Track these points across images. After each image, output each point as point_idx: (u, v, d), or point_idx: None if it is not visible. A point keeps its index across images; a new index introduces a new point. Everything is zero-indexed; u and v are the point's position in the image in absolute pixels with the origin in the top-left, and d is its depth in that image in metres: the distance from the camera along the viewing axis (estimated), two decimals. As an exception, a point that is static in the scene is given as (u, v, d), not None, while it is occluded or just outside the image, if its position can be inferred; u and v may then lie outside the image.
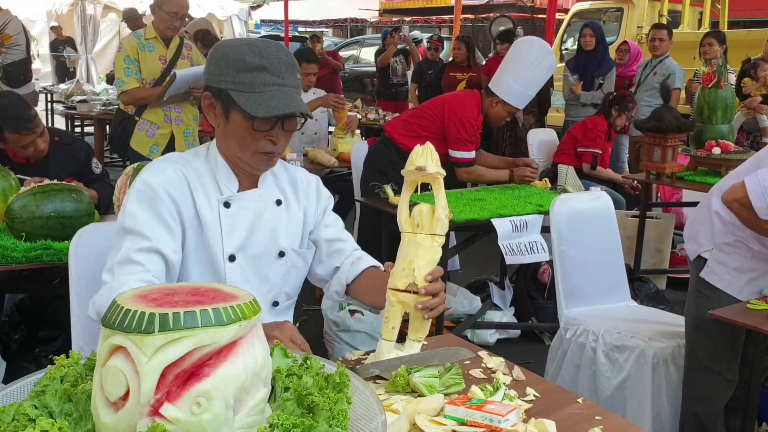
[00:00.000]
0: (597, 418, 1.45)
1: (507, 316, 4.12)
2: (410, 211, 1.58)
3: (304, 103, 1.63)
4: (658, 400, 2.69)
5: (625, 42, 7.13)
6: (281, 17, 12.47)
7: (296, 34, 16.30)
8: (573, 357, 2.88)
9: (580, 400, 1.53)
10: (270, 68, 1.56)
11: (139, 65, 4.07)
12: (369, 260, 1.86)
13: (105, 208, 3.09)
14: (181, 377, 0.88)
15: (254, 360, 0.92)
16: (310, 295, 4.09)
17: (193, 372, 0.89)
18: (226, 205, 1.67)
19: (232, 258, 1.68)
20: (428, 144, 1.53)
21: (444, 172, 1.54)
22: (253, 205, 1.70)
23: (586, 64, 6.39)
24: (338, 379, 1.03)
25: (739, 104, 5.43)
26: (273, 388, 1.04)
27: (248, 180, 1.71)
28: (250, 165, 1.66)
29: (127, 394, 0.88)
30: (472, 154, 3.80)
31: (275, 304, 1.80)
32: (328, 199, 1.86)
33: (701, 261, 2.51)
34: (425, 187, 1.61)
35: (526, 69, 3.69)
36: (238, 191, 1.69)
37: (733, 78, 5.62)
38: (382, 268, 1.81)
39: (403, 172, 1.56)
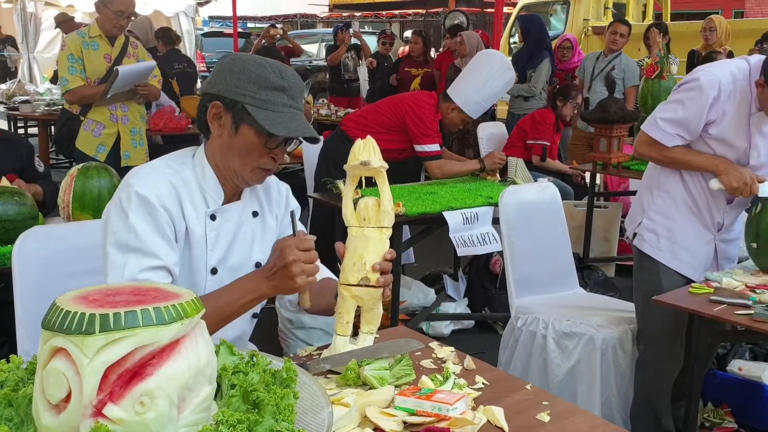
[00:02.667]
0: (544, 403, 1.48)
1: (461, 307, 4.17)
2: (355, 205, 1.60)
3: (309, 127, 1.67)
4: (607, 385, 2.76)
5: (567, 39, 7.24)
6: (229, 13, 12.34)
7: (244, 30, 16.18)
8: (524, 345, 2.93)
9: (528, 387, 1.57)
10: (289, 91, 1.60)
11: (83, 63, 3.99)
12: (325, 272, 1.88)
13: (50, 206, 3.02)
14: (124, 377, 0.88)
15: (198, 358, 0.92)
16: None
17: (136, 371, 0.88)
18: (212, 217, 1.66)
19: (214, 271, 1.67)
20: (369, 138, 1.55)
21: (386, 165, 1.55)
22: (236, 217, 1.70)
23: (520, 57, 6.48)
24: (285, 374, 1.04)
25: None
26: (219, 385, 1.04)
27: (232, 192, 1.70)
28: (245, 179, 1.66)
29: (69, 396, 0.88)
30: (438, 147, 3.83)
31: (254, 315, 1.82)
32: (296, 208, 1.86)
33: (636, 236, 2.62)
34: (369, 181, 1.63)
35: (485, 82, 3.76)
36: (222, 204, 1.68)
37: (675, 69, 5.77)
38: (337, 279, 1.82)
39: (345, 167, 1.57)
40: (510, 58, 6.97)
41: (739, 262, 2.67)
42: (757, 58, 2.38)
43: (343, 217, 1.59)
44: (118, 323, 0.87)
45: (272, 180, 1.83)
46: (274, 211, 1.81)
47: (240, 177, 1.65)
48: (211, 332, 1.02)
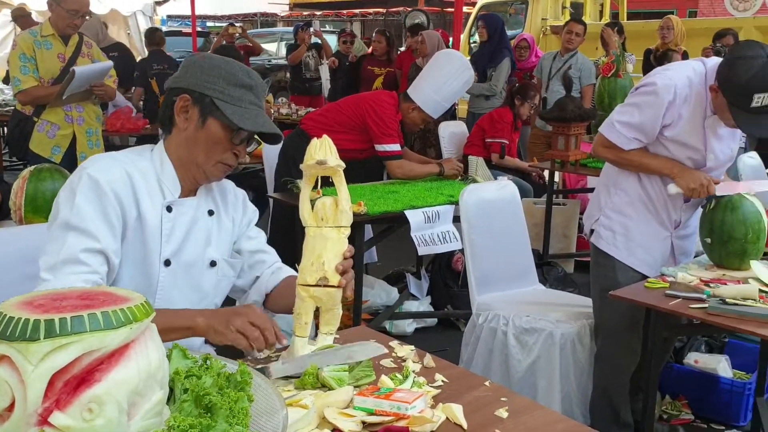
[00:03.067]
0: (503, 399, 1.49)
1: (424, 305, 4.18)
2: (312, 205, 1.58)
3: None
4: (567, 379, 2.80)
5: (524, 39, 7.32)
6: (188, 12, 12.19)
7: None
8: (486, 342, 2.95)
9: (487, 383, 1.57)
10: (255, 90, 1.67)
11: (36, 63, 3.89)
12: (289, 271, 1.88)
13: (2, 209, 2.94)
14: (71, 384, 0.85)
15: (148, 362, 0.90)
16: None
17: (84, 378, 0.86)
18: (169, 209, 1.67)
19: (167, 263, 1.67)
20: (325, 137, 1.54)
21: (343, 165, 1.55)
22: (191, 212, 1.71)
23: (480, 56, 6.53)
24: (239, 377, 1.03)
25: None
26: (172, 390, 1.02)
27: (189, 188, 1.72)
28: (206, 174, 1.69)
29: (12, 404, 0.85)
30: (398, 147, 3.83)
31: None
32: (253, 212, 1.89)
33: (593, 232, 2.66)
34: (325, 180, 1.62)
35: (444, 81, 3.78)
36: (179, 197, 1.70)
37: (631, 67, 5.87)
38: None
39: (302, 166, 1.55)
40: (469, 57, 7.02)
41: (696, 256, 2.73)
42: (714, 62, 2.42)
43: (300, 218, 1.58)
44: (64, 329, 0.85)
45: (229, 184, 1.86)
46: (230, 213, 1.83)
47: (201, 171, 1.68)
48: None
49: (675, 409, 3.05)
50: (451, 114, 6.60)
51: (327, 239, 1.55)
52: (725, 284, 2.24)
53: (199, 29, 14.18)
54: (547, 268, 4.44)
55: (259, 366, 1.44)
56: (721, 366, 3.07)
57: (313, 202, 1.58)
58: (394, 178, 3.94)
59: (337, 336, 1.76)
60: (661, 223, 2.58)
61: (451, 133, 5.61)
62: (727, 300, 2.11)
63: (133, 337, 0.89)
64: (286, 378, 1.52)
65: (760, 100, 2.22)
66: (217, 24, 17.94)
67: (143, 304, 0.92)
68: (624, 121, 2.46)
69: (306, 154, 1.54)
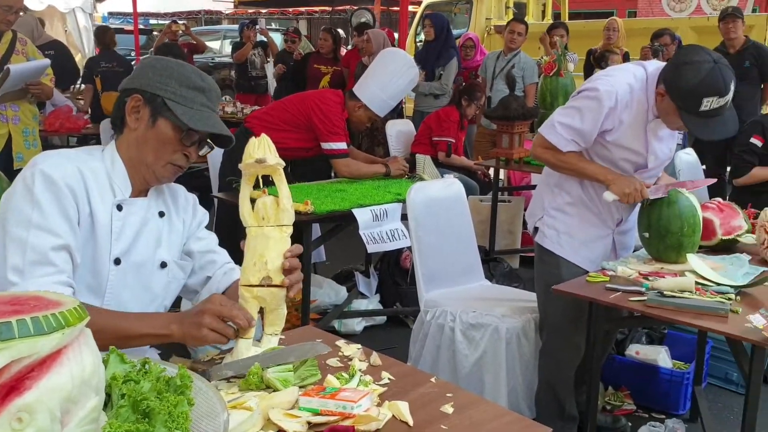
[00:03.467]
0: (449, 395, 1.50)
1: (373, 303, 4.19)
2: (252, 204, 1.57)
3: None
4: (513, 373, 2.84)
5: (469, 38, 7.39)
6: (130, 9, 11.92)
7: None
8: (433, 338, 2.98)
9: (433, 380, 1.58)
10: (208, 92, 1.68)
11: (-34, 61, 3.75)
12: (237, 273, 1.85)
13: None
14: (0, 392, 0.82)
15: (82, 368, 0.87)
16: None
17: (13, 386, 0.83)
18: (119, 207, 1.66)
19: (117, 261, 1.66)
20: (264, 135, 1.52)
21: (283, 163, 1.53)
22: (141, 212, 1.70)
23: (428, 55, 6.56)
24: (179, 381, 1.01)
25: None
26: (109, 396, 0.99)
27: (140, 188, 1.71)
28: (155, 175, 1.68)
29: (-63, 417, 0.81)
30: (344, 146, 3.81)
31: None
32: (203, 214, 1.89)
33: (537, 230, 2.69)
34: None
35: (390, 80, 3.79)
36: (130, 197, 1.69)
37: (572, 66, 5.98)
38: None
39: (241, 166, 1.54)
40: (414, 56, 7.05)
41: (635, 250, 2.80)
42: (654, 67, 2.47)
43: (241, 218, 1.56)
44: (-9, 336, 0.81)
45: (180, 188, 1.85)
46: (181, 215, 1.82)
47: (151, 171, 1.67)
48: (102, 349, 0.98)
49: (618, 399, 3.13)
50: (398, 112, 6.62)
51: (269, 238, 1.53)
52: (663, 277, 2.31)
53: (141, 27, 13.89)
54: (493, 264, 4.50)
55: (201, 369, 1.41)
56: (661, 357, 3.16)
57: (253, 201, 1.56)
58: (340, 176, 3.93)
59: (283, 337, 1.75)
60: (603, 222, 2.63)
61: (399, 132, 5.63)
62: (664, 292, 2.17)
63: (65, 343, 0.87)
64: (231, 380, 1.50)
65: (708, 103, 2.28)
66: (160, 22, 17.60)
67: (76, 308, 0.90)
68: (565, 123, 2.48)
69: (244, 154, 1.52)
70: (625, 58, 6.80)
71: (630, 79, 2.45)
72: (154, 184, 1.72)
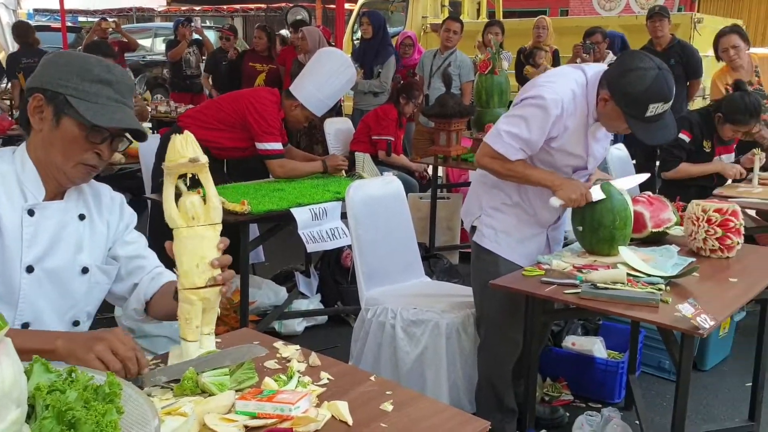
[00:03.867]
0: (388, 393, 1.50)
1: (314, 303, 4.16)
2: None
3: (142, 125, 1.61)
4: (454, 368, 2.86)
5: (408, 36, 7.42)
6: (57, 6, 11.52)
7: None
8: (375, 336, 2.97)
9: (372, 378, 1.58)
10: (115, 85, 1.58)
11: None
12: (170, 275, 1.80)
13: None
14: None
15: (1, 380, 0.83)
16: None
17: (-75, 402, 0.78)
18: (30, 212, 1.58)
19: (30, 269, 1.58)
20: (188, 132, 1.48)
21: (207, 159, 1.50)
22: (58, 216, 1.62)
23: (366, 53, 6.57)
24: (108, 389, 0.97)
25: None
26: (34, 407, 0.95)
27: (54, 191, 1.63)
28: (67, 176, 1.60)
29: None
30: (280, 146, 3.77)
31: (76, 323, 1.71)
32: (131, 216, 1.81)
33: (475, 229, 2.71)
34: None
35: (327, 80, 3.77)
36: (43, 200, 1.60)
37: (506, 64, 6.06)
38: None
39: (165, 165, 1.48)
40: (350, 54, 7.04)
41: (565, 243, 2.86)
42: (593, 71, 2.49)
43: (168, 219, 1.50)
44: None
45: (104, 188, 1.77)
46: (105, 216, 1.74)
47: (62, 173, 1.60)
48: None
49: (555, 390, 3.19)
50: (336, 110, 6.60)
51: (204, 238, 1.49)
52: (596, 270, 2.36)
53: (69, 24, 13.45)
54: (433, 260, 4.53)
55: (133, 377, 1.37)
56: (596, 347, 3.24)
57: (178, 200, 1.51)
58: (275, 177, 3.88)
59: (219, 340, 1.71)
60: (538, 221, 2.67)
61: (337, 130, 5.61)
62: (598, 284, 2.22)
63: (-19, 354, 0.82)
64: (165, 386, 1.46)
65: (654, 109, 2.34)
66: (90, 19, 17.07)
67: (-8, 317, 0.85)
68: (512, 132, 2.47)
69: (169, 153, 1.47)
70: (555, 55, 6.95)
71: (573, 86, 2.47)
72: (68, 185, 1.65)
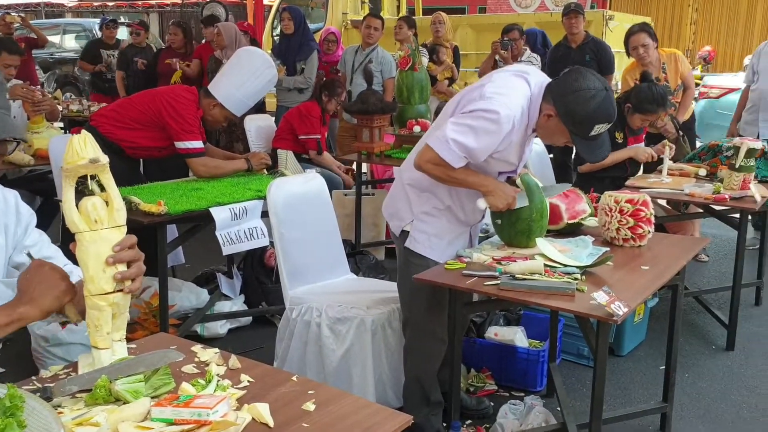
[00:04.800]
0: (310, 392, 1.49)
1: (237, 304, 4.08)
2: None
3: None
4: (380, 363, 2.87)
5: (331, 32, 7.39)
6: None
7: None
8: (300, 335, 2.95)
9: (294, 378, 1.56)
10: None
11: None
12: (80, 272, 1.70)
13: None
14: None
15: None
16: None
17: None
18: None
19: None
20: (85, 132, 1.41)
21: (108, 159, 1.44)
22: None
23: (288, 49, 6.50)
24: (8, 402, 0.92)
25: (432, 90, 5.89)
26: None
27: None
28: None
29: None
30: (200, 144, 3.67)
31: None
32: (29, 215, 1.70)
33: (405, 234, 2.70)
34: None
35: (247, 79, 3.70)
36: None
37: (426, 60, 6.12)
38: None
39: (64, 167, 1.41)
40: (270, 50, 6.96)
41: (486, 238, 2.90)
42: (537, 85, 2.48)
43: (69, 224, 1.43)
44: None
45: None
46: (1, 221, 1.64)
47: None
48: None
49: (480, 381, 3.24)
50: (257, 107, 6.50)
51: (109, 241, 1.43)
52: (515, 261, 2.41)
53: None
54: (359, 257, 4.53)
55: (38, 387, 1.31)
56: (518, 337, 3.31)
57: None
58: (198, 177, 3.79)
59: (134, 346, 1.66)
60: (464, 221, 2.70)
61: (258, 127, 5.53)
62: (516, 276, 2.27)
63: None
64: (76, 396, 1.40)
65: (598, 129, 2.40)
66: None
67: None
68: (459, 141, 2.43)
69: (67, 155, 1.39)
70: (455, 51, 7.06)
71: (523, 102, 2.46)
72: None
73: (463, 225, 2.71)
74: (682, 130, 4.78)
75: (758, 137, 4.97)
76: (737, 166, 3.70)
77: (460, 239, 2.72)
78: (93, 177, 1.43)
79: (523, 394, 3.17)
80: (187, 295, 3.86)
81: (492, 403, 3.09)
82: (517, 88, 2.49)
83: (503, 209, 2.54)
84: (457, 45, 7.28)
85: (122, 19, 14.63)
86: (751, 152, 3.69)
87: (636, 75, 4.92)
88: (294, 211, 3.08)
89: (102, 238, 1.43)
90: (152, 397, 1.39)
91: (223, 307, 3.97)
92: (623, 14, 10.26)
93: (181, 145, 3.61)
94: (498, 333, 3.34)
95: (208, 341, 3.76)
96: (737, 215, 3.72)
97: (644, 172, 4.44)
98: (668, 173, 4.09)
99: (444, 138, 2.44)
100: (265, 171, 3.98)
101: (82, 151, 1.38)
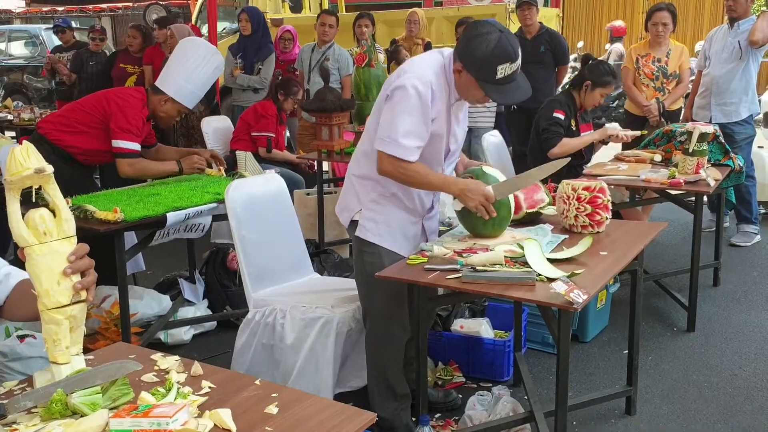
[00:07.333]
0: (273, 395, 1.47)
1: (201, 309, 4.03)
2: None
3: None
4: (345, 362, 2.85)
5: (287, 30, 7.32)
6: None
7: None
8: (263, 338, 2.92)
9: (257, 382, 1.54)
10: None
11: None
12: (20, 274, 1.66)
13: None
14: None
15: None
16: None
17: None
18: None
19: None
20: (27, 143, 1.38)
21: (53, 169, 1.40)
22: None
23: (246, 49, 6.45)
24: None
25: None
26: None
27: None
28: None
29: None
30: (136, 146, 3.60)
31: None
32: None
33: (355, 224, 2.70)
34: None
35: (194, 69, 3.66)
36: None
37: (382, 57, 6.10)
38: None
39: (5, 180, 1.37)
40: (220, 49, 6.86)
41: (440, 233, 2.91)
42: (449, 51, 2.56)
43: (17, 238, 1.39)
44: None
45: None
46: None
47: None
48: None
49: (447, 374, 3.25)
50: (212, 108, 6.44)
51: (60, 253, 1.40)
52: (476, 253, 2.42)
53: None
54: (324, 256, 4.50)
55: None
56: (483, 328, 3.33)
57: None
58: (124, 176, 3.69)
59: (92, 357, 1.62)
60: (414, 210, 2.70)
61: (215, 129, 5.48)
62: (477, 268, 2.28)
63: None
64: (32, 411, 1.36)
65: (503, 70, 2.41)
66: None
67: None
68: (398, 131, 2.44)
69: (9, 166, 1.35)
70: (427, 48, 7.07)
71: (435, 68, 2.52)
72: None
73: (412, 214, 2.71)
74: (665, 118, 4.97)
75: (710, 121, 5.08)
76: (690, 150, 3.77)
77: (411, 230, 2.73)
78: (39, 189, 1.39)
79: (490, 385, 3.18)
80: (148, 303, 3.80)
81: (460, 396, 3.11)
82: (426, 59, 2.59)
83: (483, 205, 2.52)
84: (429, 41, 7.24)
85: (74, 24, 14.33)
86: (703, 137, 3.77)
87: (642, 52, 5.22)
88: (254, 213, 3.05)
89: (53, 251, 1.39)
90: (111, 409, 1.36)
91: (186, 312, 3.92)
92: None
93: (116, 143, 3.55)
94: (464, 325, 3.35)
95: (173, 348, 3.71)
96: (693, 199, 3.79)
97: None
98: (625, 160, 4.17)
99: (389, 139, 2.47)
100: (211, 171, 3.89)
101: (26, 161, 1.34)
